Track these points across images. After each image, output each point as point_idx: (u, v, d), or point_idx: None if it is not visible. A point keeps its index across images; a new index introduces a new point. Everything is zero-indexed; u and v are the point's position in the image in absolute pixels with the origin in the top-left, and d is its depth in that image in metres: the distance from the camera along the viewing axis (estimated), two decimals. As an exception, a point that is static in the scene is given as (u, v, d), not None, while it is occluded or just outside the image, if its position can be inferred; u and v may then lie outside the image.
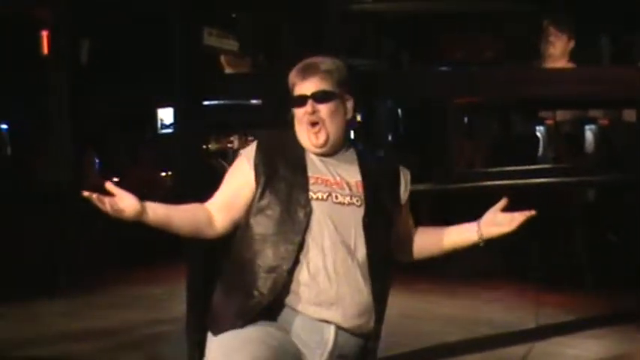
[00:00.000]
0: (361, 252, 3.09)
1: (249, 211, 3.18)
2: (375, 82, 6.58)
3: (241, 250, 3.16)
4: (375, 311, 3.12)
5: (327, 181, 3.15)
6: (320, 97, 3.16)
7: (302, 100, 3.18)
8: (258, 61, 10.26)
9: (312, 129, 3.17)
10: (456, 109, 7.92)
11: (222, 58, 11.39)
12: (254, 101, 10.30)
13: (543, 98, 7.72)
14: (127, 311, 8.14)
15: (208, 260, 5.76)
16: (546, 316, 7.20)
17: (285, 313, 3.07)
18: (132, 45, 11.04)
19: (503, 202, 3.44)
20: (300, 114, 3.19)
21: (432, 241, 3.40)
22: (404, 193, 3.30)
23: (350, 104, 3.26)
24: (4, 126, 11.59)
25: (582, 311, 7.53)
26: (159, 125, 12.58)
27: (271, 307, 3.07)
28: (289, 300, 3.06)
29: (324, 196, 3.11)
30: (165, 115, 12.33)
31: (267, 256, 3.07)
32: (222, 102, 9.38)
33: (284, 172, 3.15)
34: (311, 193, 3.11)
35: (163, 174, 11.84)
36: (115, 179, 11.82)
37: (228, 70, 11.19)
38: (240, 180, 3.23)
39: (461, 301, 7.91)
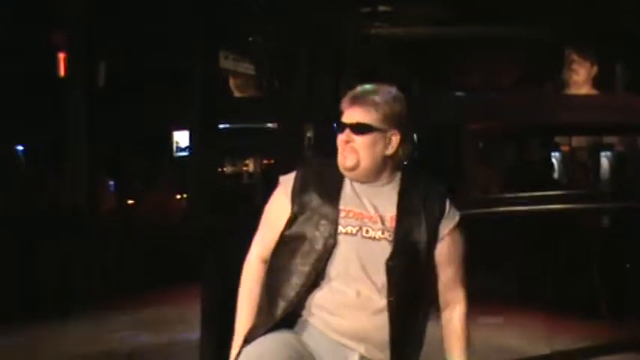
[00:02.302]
0: (386, 290, 3.10)
1: (280, 239, 3.24)
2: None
3: (268, 277, 3.24)
4: (397, 351, 3.12)
5: (359, 214, 3.14)
6: (357, 129, 3.18)
7: (341, 127, 3.21)
8: (272, 84, 10.34)
9: (343, 151, 3.19)
10: (471, 134, 7.97)
11: (232, 82, 11.50)
12: (269, 125, 10.39)
13: (559, 124, 7.78)
14: (141, 334, 8.18)
15: (223, 284, 5.83)
16: (560, 342, 7.20)
17: (309, 331, 3.12)
18: (149, 67, 11.14)
19: None
20: (339, 140, 3.23)
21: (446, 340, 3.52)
22: (445, 235, 3.21)
23: (395, 139, 3.21)
24: (21, 148, 11.69)
25: (597, 338, 7.52)
26: (174, 148, 12.66)
27: (296, 323, 3.15)
28: (314, 321, 3.12)
29: (354, 231, 3.11)
30: (181, 138, 12.41)
31: (288, 286, 3.13)
32: (237, 125, 9.47)
33: (317, 203, 3.16)
34: (340, 227, 3.12)
35: (178, 197, 11.91)
36: (130, 201, 11.92)
37: (237, 94, 11.29)
38: (278, 213, 3.23)
39: (471, 325, 7.91)
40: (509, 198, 7.75)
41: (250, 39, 10.84)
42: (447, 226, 3.21)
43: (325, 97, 7.34)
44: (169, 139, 12.70)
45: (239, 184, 11.69)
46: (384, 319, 3.07)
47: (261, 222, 3.31)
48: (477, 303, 8.46)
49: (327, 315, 3.08)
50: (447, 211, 3.23)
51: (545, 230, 8.30)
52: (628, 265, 8.52)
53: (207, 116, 6.20)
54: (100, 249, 10.23)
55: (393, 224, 3.14)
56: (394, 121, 3.20)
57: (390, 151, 3.20)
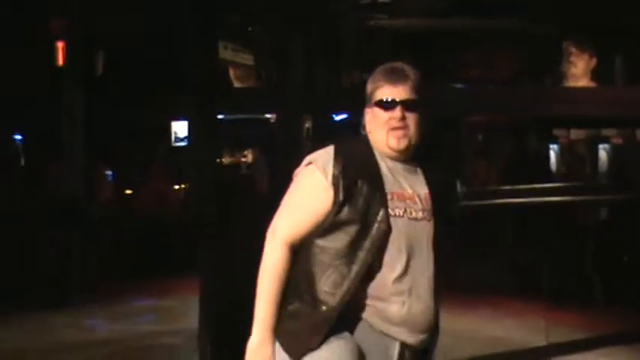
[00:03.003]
0: (431, 269, 3.09)
1: (323, 225, 3.06)
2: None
3: (310, 264, 3.06)
4: (437, 325, 3.16)
5: (402, 195, 3.09)
6: (411, 105, 3.10)
7: (391, 105, 3.10)
8: (271, 75, 10.37)
9: (394, 132, 3.09)
10: (470, 127, 8.02)
11: (231, 73, 11.52)
12: (268, 115, 10.43)
13: (558, 117, 7.82)
14: (139, 323, 8.22)
15: (222, 274, 5.87)
16: (557, 333, 7.24)
17: (360, 327, 3.05)
18: (147, 57, 11.17)
19: None
20: (385, 118, 3.11)
21: None
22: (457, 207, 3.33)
23: (426, 117, 3.20)
24: (18, 137, 11.73)
25: (594, 329, 7.58)
26: (173, 138, 12.70)
27: (345, 317, 3.04)
28: (365, 314, 3.04)
29: (401, 213, 3.06)
30: (180, 129, 12.44)
31: (338, 272, 3.01)
32: (236, 116, 9.50)
33: (362, 186, 3.05)
34: (390, 210, 3.05)
35: (177, 187, 11.95)
36: (129, 191, 11.96)
37: (236, 85, 11.32)
38: (318, 199, 3.07)
39: (469, 317, 7.96)
40: (508, 190, 7.77)
41: (249, 29, 10.87)
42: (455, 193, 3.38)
43: (324, 89, 7.36)
44: (168, 129, 12.74)
45: (237, 175, 11.72)
46: (431, 299, 3.09)
47: (291, 204, 3.12)
48: (474, 293, 8.56)
49: (381, 304, 3.03)
50: (456, 182, 3.41)
51: (543, 222, 8.34)
52: (626, 258, 8.56)
53: (206, 106, 6.21)
54: (98, 239, 10.28)
55: (429, 202, 3.14)
56: (424, 97, 3.20)
57: (424, 128, 3.20)
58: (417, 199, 3.11)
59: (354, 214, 3.02)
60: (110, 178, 11.87)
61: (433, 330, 3.13)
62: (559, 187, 8.05)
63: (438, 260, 3.10)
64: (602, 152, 8.47)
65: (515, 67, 10.55)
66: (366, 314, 3.04)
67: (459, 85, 9.92)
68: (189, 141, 9.26)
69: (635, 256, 8.51)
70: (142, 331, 7.87)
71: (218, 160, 8.03)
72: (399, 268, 3.04)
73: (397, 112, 3.09)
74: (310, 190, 3.10)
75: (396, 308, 3.03)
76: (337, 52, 8.91)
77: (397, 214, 3.05)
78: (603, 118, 7.78)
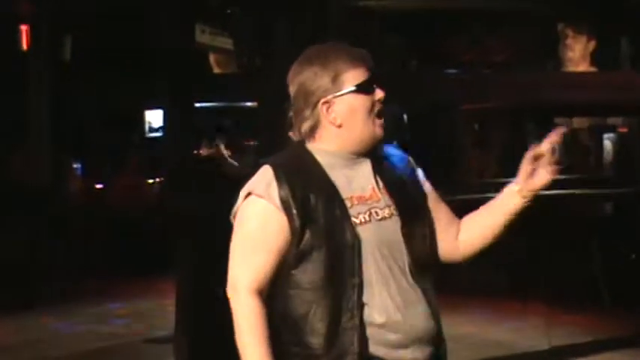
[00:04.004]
0: (409, 267, 2.86)
1: (287, 260, 2.83)
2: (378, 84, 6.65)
3: (289, 306, 2.85)
4: (438, 326, 2.93)
5: (361, 197, 2.86)
6: (383, 85, 2.88)
7: (371, 86, 2.86)
8: (252, 61, 10.32)
9: (379, 120, 2.86)
10: (465, 115, 8.01)
11: (212, 58, 11.48)
12: (248, 103, 10.39)
13: (559, 104, 7.82)
14: (110, 327, 8.19)
15: (199, 273, 5.84)
16: (559, 336, 7.24)
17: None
18: (118, 42, 11.11)
19: (541, 147, 2.89)
20: (368, 102, 2.85)
21: (479, 223, 3.08)
22: (424, 181, 3.00)
23: None
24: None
25: (597, 331, 7.57)
26: (146, 128, 12.64)
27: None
28: (362, 347, 2.81)
29: (367, 218, 2.84)
30: (154, 118, 12.38)
31: (327, 307, 2.80)
32: (215, 104, 9.47)
33: (315, 200, 2.82)
34: (353, 219, 2.82)
35: (151, 180, 11.90)
36: (99, 186, 11.90)
37: (217, 71, 11.28)
38: (272, 232, 2.82)
39: (469, 320, 7.95)
40: (506, 183, 7.76)
41: (229, 11, 10.83)
42: (418, 170, 3.02)
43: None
44: (141, 118, 12.68)
45: (216, 168, 11.66)
46: (422, 301, 2.86)
47: (242, 246, 2.86)
48: (472, 294, 8.54)
49: (376, 328, 2.82)
50: (408, 158, 3.02)
51: (544, 217, 8.33)
52: (634, 256, 8.56)
53: (182, 94, 6.19)
54: (66, 237, 10.22)
55: (388, 195, 2.89)
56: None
57: None
58: (377, 196, 2.87)
59: (317, 236, 2.79)
60: (79, 171, 11.81)
61: (439, 337, 2.94)
62: (561, 179, 8.04)
63: (415, 256, 2.86)
64: (608, 142, 8.49)
65: (514, 51, 10.54)
66: (376, 350, 2.82)
67: (452, 71, 9.91)
68: (164, 131, 9.21)
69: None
70: (114, 334, 7.83)
71: (195, 151, 7.99)
72: (383, 282, 2.82)
73: (379, 93, 2.85)
74: (259, 223, 2.83)
75: (398, 327, 2.82)
76: (324, 35, 8.87)
77: (362, 220, 2.83)
78: (608, 105, 7.79)
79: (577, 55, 8.17)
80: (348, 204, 2.82)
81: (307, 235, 2.79)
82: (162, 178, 10.78)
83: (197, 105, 7.17)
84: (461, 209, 3.08)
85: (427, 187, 2.99)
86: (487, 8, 10.32)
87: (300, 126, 2.86)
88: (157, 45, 6.88)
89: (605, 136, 8.69)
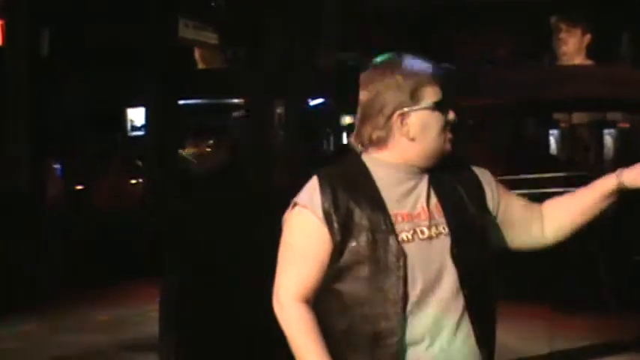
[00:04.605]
0: (456, 289, 2.88)
1: (329, 272, 2.88)
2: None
3: (331, 319, 2.88)
4: (485, 351, 2.93)
5: (407, 215, 2.89)
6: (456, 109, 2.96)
7: (447, 106, 2.91)
8: (239, 56, 10.29)
9: (448, 137, 2.90)
10: (462, 110, 7.96)
11: (197, 53, 11.45)
12: (235, 100, 10.37)
13: (558, 100, 7.79)
14: (92, 335, 8.15)
15: (184, 279, 5.80)
16: (561, 341, 7.23)
17: None
18: (99, 37, 11.06)
19: None
20: (442, 121, 2.89)
21: (567, 207, 3.14)
22: (492, 197, 3.04)
23: None
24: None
25: (600, 336, 7.55)
26: (129, 127, 12.61)
27: None
28: None
29: (409, 237, 2.86)
30: (136, 116, 12.35)
31: (368, 324, 2.83)
32: (200, 101, 9.44)
33: (361, 215, 2.86)
34: (400, 235, 2.85)
35: (133, 181, 11.86)
36: (79, 187, 11.85)
37: (201, 66, 11.25)
38: (315, 244, 2.87)
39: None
40: (503, 181, 7.75)
41: (212, 4, 10.80)
42: (488, 180, 3.04)
43: (300, 70, 7.30)
44: (123, 117, 12.65)
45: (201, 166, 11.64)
46: (465, 331, 2.87)
47: (288, 257, 2.92)
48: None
49: (422, 353, 2.84)
50: (472, 168, 3.06)
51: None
52: (637, 257, 8.54)
53: (165, 91, 6.15)
54: (45, 240, 10.17)
55: (442, 213, 2.92)
56: None
57: None
58: (426, 215, 2.90)
59: (359, 251, 2.83)
60: (59, 172, 11.76)
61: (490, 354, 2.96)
62: (560, 177, 8.04)
63: (466, 279, 2.87)
64: (608, 138, 8.47)
65: (512, 46, 10.53)
66: None
67: (450, 66, 9.88)
68: (147, 130, 9.17)
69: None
70: (95, 344, 7.79)
71: (180, 150, 7.97)
72: (425, 302, 2.83)
73: (452, 116, 2.90)
74: (302, 234, 2.90)
75: (427, 352, 2.83)
76: (317, 29, 8.85)
77: (405, 238, 2.85)
78: (603, 100, 7.77)
79: (571, 49, 8.16)
80: (393, 220, 2.84)
81: (348, 249, 2.83)
82: (145, 179, 10.74)
83: (181, 102, 7.12)
84: None
85: (493, 187, 3.02)
86: (483, 2, 10.31)
87: (368, 133, 2.89)
88: (139, 40, 6.83)
89: (606, 131, 8.67)
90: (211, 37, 11.03)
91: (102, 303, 9.25)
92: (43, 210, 10.58)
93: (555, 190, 7.46)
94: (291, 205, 2.92)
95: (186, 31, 10.35)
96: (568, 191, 7.77)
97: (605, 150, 8.74)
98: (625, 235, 8.65)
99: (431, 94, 2.89)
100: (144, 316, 7.93)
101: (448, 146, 2.89)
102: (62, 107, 11.40)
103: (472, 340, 2.87)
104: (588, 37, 8.16)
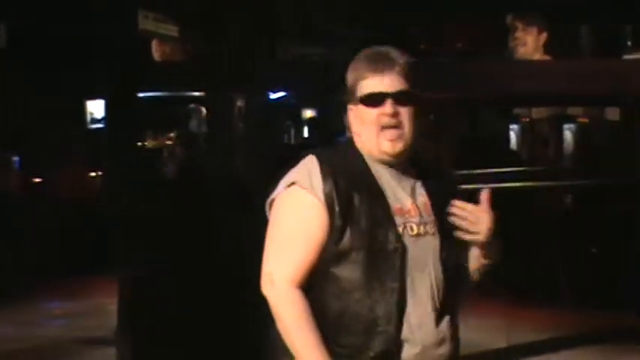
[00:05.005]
0: (440, 295, 2.89)
1: (327, 256, 2.84)
2: (332, 74, 6.61)
3: (326, 303, 2.85)
4: (454, 352, 2.97)
5: (400, 210, 2.87)
6: (403, 98, 2.85)
7: (379, 99, 2.84)
8: (199, 48, 10.24)
9: (386, 134, 2.84)
10: (422, 105, 7.97)
11: (155, 45, 11.38)
12: (195, 93, 10.31)
13: (517, 94, 7.82)
14: (48, 328, 8.10)
15: (143, 271, 5.78)
16: (518, 334, 7.27)
17: None
18: (57, 28, 10.99)
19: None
20: (373, 115, 2.84)
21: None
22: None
23: (423, 111, 2.97)
24: None
25: (557, 329, 7.61)
26: (88, 119, 12.53)
27: None
28: (396, 352, 2.83)
29: (400, 230, 2.84)
30: (96, 109, 12.28)
31: (364, 309, 2.81)
32: (159, 94, 9.38)
33: (360, 201, 2.82)
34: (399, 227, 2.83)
35: (92, 174, 11.80)
36: (38, 180, 11.77)
37: (161, 59, 11.17)
38: (313, 225, 2.82)
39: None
40: (462, 175, 7.77)
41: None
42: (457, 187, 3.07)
43: (260, 62, 7.27)
44: (82, 109, 12.56)
45: (161, 160, 11.60)
46: (441, 332, 2.89)
47: (281, 237, 2.86)
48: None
49: (407, 346, 2.83)
50: (451, 174, 3.14)
51: (502, 211, 8.35)
52: (594, 250, 8.61)
53: (124, 83, 6.11)
54: (5, 233, 10.11)
55: (431, 214, 2.91)
56: (419, 87, 2.94)
57: (422, 124, 2.97)
58: (415, 211, 2.89)
59: (358, 237, 2.81)
60: (17, 165, 11.67)
61: (456, 348, 2.97)
62: (519, 171, 8.07)
63: (450, 281, 2.90)
64: (568, 132, 8.51)
65: (470, 39, 10.54)
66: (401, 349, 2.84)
67: (414, 59, 9.89)
68: (106, 122, 9.11)
69: (604, 248, 8.56)
70: (51, 338, 7.74)
71: (139, 143, 7.92)
72: (418, 297, 2.84)
73: (387, 107, 2.84)
74: (301, 216, 2.84)
75: (406, 349, 2.84)
76: (275, 20, 8.82)
77: (401, 232, 2.85)
78: (563, 94, 7.81)
79: (529, 48, 8.17)
80: (392, 211, 2.84)
81: (348, 234, 2.81)
82: (104, 172, 10.68)
83: (140, 95, 7.08)
84: None
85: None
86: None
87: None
88: (97, 31, 6.77)
89: (565, 126, 8.71)
90: (172, 30, 10.95)
91: (59, 296, 9.20)
92: (1, 202, 10.51)
93: (515, 184, 7.51)
94: (285, 183, 2.87)
95: (146, 22, 10.27)
96: (527, 186, 7.80)
97: (565, 145, 8.77)
98: (583, 227, 8.71)
99: (364, 88, 2.87)
100: (102, 309, 7.90)
101: (385, 145, 2.85)
102: (20, 100, 11.31)
103: (448, 336, 2.91)
104: (544, 35, 8.18)
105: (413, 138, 2.88)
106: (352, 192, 2.83)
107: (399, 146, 2.85)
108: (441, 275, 2.88)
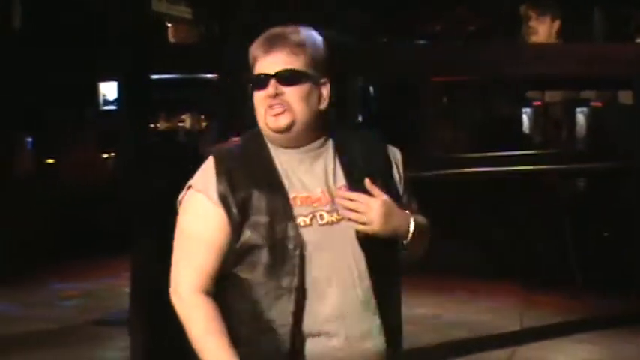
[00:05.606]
0: (365, 282, 2.77)
1: (227, 258, 2.78)
2: (344, 58, 6.58)
3: (230, 304, 2.81)
4: (390, 345, 2.82)
5: (306, 199, 2.78)
6: (286, 77, 2.76)
7: (263, 81, 2.76)
8: (212, 30, 10.22)
9: (270, 110, 2.75)
10: (434, 88, 7.95)
11: (170, 27, 11.35)
12: (208, 75, 10.29)
13: (530, 78, 7.78)
14: (61, 309, 8.11)
15: (156, 253, 5.77)
16: (531, 317, 7.26)
17: None
18: (72, 9, 10.97)
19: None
20: (260, 97, 2.77)
21: None
22: (399, 180, 2.90)
23: (326, 90, 2.84)
24: None
25: (570, 313, 7.60)
26: (101, 101, 12.51)
27: None
28: (293, 353, 2.75)
29: (308, 221, 2.75)
30: (109, 90, 12.25)
31: (263, 308, 2.75)
32: (172, 76, 9.35)
33: (259, 198, 2.75)
34: (297, 220, 2.75)
35: (105, 155, 11.80)
36: (50, 161, 11.77)
37: (175, 41, 11.15)
38: (211, 228, 2.77)
39: (438, 300, 7.96)
40: (476, 158, 7.74)
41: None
42: (400, 173, 2.92)
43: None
44: (95, 90, 12.54)
45: (174, 143, 11.59)
46: (369, 320, 2.77)
47: (183, 243, 2.81)
48: (440, 274, 8.55)
49: (311, 341, 2.74)
50: (391, 155, 2.92)
51: (515, 194, 8.34)
52: (606, 234, 8.58)
53: (137, 65, 6.09)
54: (17, 214, 10.10)
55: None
56: (323, 66, 2.83)
57: (323, 104, 2.83)
58: (327, 199, 2.77)
59: (257, 234, 2.73)
60: (29, 146, 11.67)
61: (392, 334, 2.84)
62: (532, 154, 8.04)
63: (376, 266, 2.77)
64: (580, 116, 8.47)
65: (483, 22, 10.49)
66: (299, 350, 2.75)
67: (420, 42, 9.85)
68: (118, 104, 9.10)
69: (616, 232, 8.53)
70: (66, 319, 7.75)
71: (152, 125, 7.91)
72: (323, 289, 2.74)
73: (270, 88, 2.75)
74: (197, 219, 2.79)
75: (329, 342, 2.74)
76: (285, 6, 8.79)
77: (302, 223, 2.74)
78: (576, 78, 7.78)
79: (542, 37, 8.14)
80: (291, 203, 2.74)
81: (247, 233, 2.74)
82: (117, 153, 10.68)
83: (154, 77, 7.05)
84: (429, 185, 3.04)
85: (401, 170, 2.92)
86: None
87: None
88: (110, 13, 6.74)
89: (578, 110, 8.67)
90: (185, 12, 10.95)
91: (70, 278, 9.22)
92: (14, 182, 10.52)
93: (528, 167, 7.48)
94: (185, 187, 2.83)
95: (160, 4, 10.26)
96: (541, 169, 7.77)
97: (578, 128, 8.73)
98: (595, 211, 8.68)
99: (255, 69, 2.80)
100: (114, 291, 7.91)
101: (270, 120, 2.76)
102: (35, 80, 11.29)
103: (378, 326, 2.79)
104: (558, 22, 8.15)
105: (305, 119, 2.78)
106: (251, 188, 2.75)
107: (283, 121, 2.75)
108: (364, 263, 2.76)
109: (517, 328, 7.07)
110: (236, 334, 2.75)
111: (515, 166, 7.39)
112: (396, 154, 2.94)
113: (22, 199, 10.44)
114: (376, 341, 2.79)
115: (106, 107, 12.26)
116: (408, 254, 2.87)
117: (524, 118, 8.88)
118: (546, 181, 8.65)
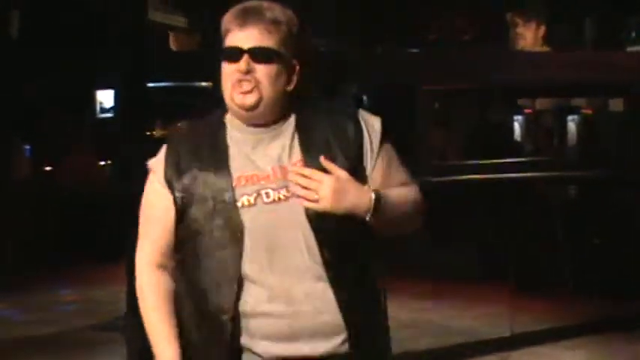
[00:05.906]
0: (317, 256, 2.65)
1: (175, 236, 2.77)
2: (338, 65, 6.62)
3: (178, 289, 2.80)
4: (351, 331, 2.68)
5: (252, 177, 2.69)
6: (260, 54, 2.67)
7: (235, 54, 2.68)
8: (208, 38, 10.25)
9: (238, 86, 2.68)
10: (427, 95, 7.99)
11: (170, 36, 11.38)
12: (203, 83, 10.31)
13: (522, 85, 7.83)
14: (58, 314, 8.13)
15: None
16: (522, 323, 7.27)
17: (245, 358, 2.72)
18: (69, 18, 10.99)
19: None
20: (230, 70, 2.70)
21: None
22: (371, 151, 2.78)
23: (296, 71, 2.75)
24: None
25: (561, 319, 7.61)
26: (97, 109, 12.53)
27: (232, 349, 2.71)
28: (245, 342, 2.70)
29: (252, 200, 2.67)
30: (105, 98, 12.28)
31: (203, 296, 2.70)
32: (168, 84, 9.39)
33: (205, 181, 2.70)
34: (240, 200, 2.68)
35: (102, 163, 11.81)
36: (48, 168, 11.79)
37: (174, 48, 11.18)
38: (160, 206, 2.77)
39: (429, 306, 7.97)
40: (469, 165, 7.78)
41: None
42: (371, 140, 2.79)
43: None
44: (92, 98, 12.57)
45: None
46: (327, 297, 2.65)
47: (141, 220, 2.84)
48: (432, 280, 8.58)
49: (254, 321, 2.67)
50: (363, 123, 2.80)
51: (508, 201, 8.36)
52: (597, 241, 8.61)
53: (134, 73, 6.12)
54: (14, 221, 10.12)
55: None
56: (297, 46, 2.74)
57: (291, 85, 2.75)
58: (277, 175, 2.69)
59: (201, 215, 2.69)
60: (27, 153, 11.70)
61: (343, 335, 2.69)
62: (525, 161, 8.07)
63: (326, 242, 2.65)
64: (572, 124, 8.51)
65: (477, 29, 10.53)
66: (256, 345, 2.69)
67: (414, 50, 9.88)
68: (115, 112, 9.14)
69: (607, 239, 8.56)
70: (65, 325, 7.76)
71: (149, 132, 7.93)
72: (267, 271, 2.66)
73: (241, 63, 2.67)
74: (150, 198, 2.82)
75: (274, 323, 2.66)
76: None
77: (246, 202, 2.67)
78: (567, 85, 7.82)
79: (529, 43, 8.20)
80: (235, 184, 2.69)
81: (190, 216, 2.72)
82: (112, 161, 10.71)
83: (150, 85, 7.10)
84: (422, 191, 3.01)
85: (381, 156, 2.80)
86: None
87: None
88: (107, 21, 6.79)
89: (569, 117, 8.71)
90: (180, 21, 10.98)
91: (69, 283, 9.23)
92: (11, 189, 10.53)
93: (521, 174, 7.51)
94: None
95: (155, 14, 10.30)
96: (532, 176, 7.82)
97: (569, 136, 8.77)
98: (586, 218, 8.71)
99: (227, 42, 2.73)
100: (112, 296, 7.92)
101: (237, 98, 2.69)
102: (33, 89, 11.33)
103: (333, 309, 2.67)
104: (543, 28, 8.21)
105: (273, 99, 2.71)
106: (196, 172, 2.72)
107: (250, 99, 2.68)
108: (313, 240, 2.65)
109: (508, 334, 7.09)
110: (179, 318, 2.77)
111: (507, 173, 7.42)
112: (374, 123, 2.84)
113: (20, 205, 10.46)
114: (330, 318, 2.67)
115: (103, 115, 12.30)
116: (386, 230, 2.77)
117: (516, 126, 8.91)
118: (538, 188, 8.69)
